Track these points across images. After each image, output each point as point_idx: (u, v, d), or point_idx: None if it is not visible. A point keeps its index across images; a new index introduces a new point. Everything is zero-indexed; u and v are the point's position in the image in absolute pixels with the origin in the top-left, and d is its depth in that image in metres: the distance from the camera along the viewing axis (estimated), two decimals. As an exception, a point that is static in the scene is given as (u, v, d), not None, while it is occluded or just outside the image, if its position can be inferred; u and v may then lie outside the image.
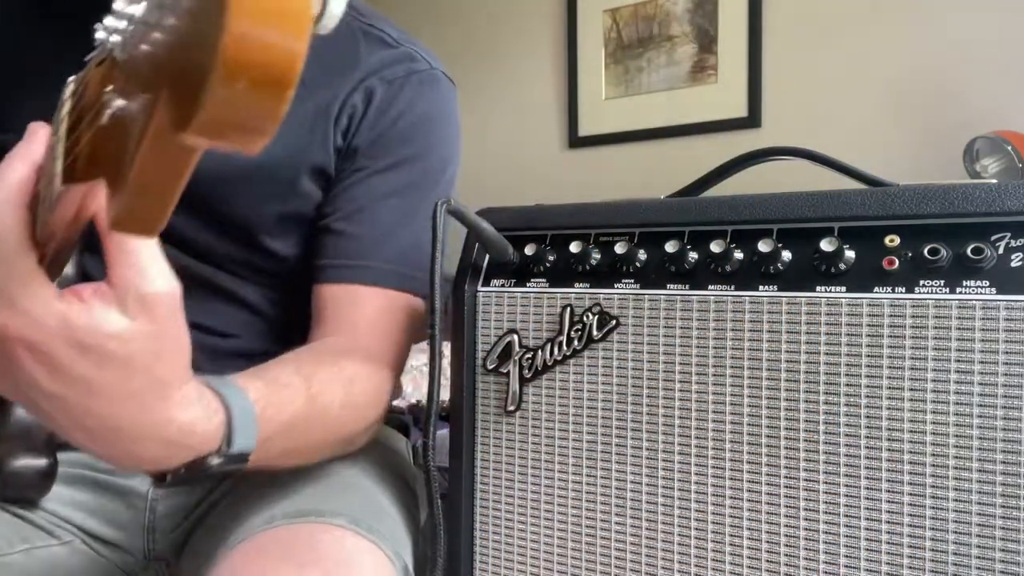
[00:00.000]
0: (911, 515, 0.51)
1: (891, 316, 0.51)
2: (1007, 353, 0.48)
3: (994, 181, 0.56)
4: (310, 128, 0.73)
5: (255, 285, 0.77)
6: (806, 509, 0.54)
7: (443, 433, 0.70)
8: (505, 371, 0.65)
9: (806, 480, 0.54)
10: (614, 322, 0.60)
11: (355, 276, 0.71)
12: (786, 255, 0.55)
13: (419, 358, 1.33)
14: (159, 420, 0.41)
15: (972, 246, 0.49)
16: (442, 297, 0.62)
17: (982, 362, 0.49)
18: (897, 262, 0.52)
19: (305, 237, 0.75)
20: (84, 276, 0.67)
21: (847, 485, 0.53)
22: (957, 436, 0.49)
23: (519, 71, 2.47)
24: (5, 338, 0.37)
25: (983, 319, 0.49)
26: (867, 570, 0.52)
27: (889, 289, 0.52)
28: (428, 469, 0.62)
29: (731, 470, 0.56)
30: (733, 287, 0.57)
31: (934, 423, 0.50)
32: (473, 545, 0.67)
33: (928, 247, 0.51)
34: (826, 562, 0.53)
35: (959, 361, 0.50)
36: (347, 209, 0.73)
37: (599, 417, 0.61)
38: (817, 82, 2.04)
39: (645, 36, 2.29)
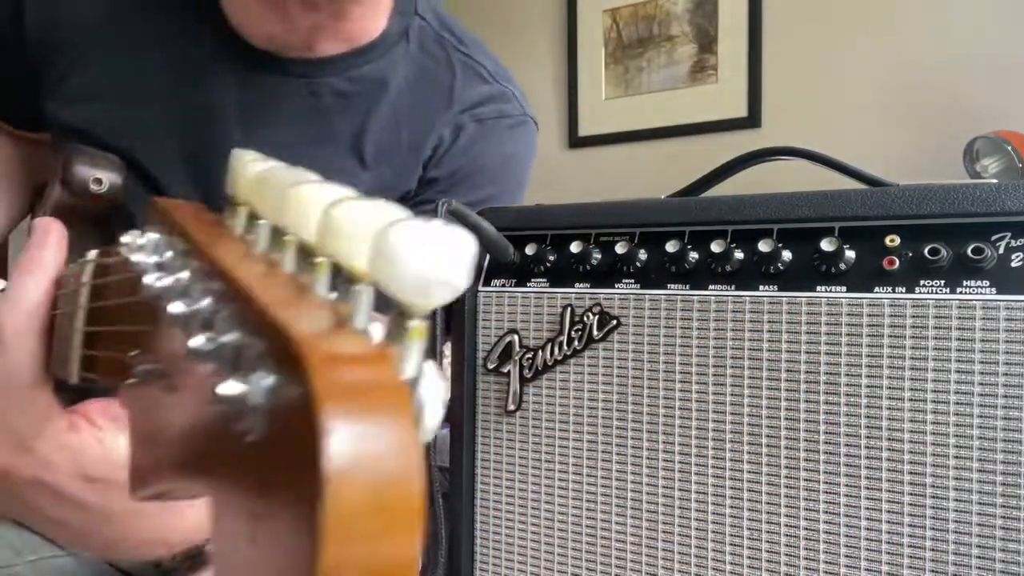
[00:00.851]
0: (911, 515, 0.51)
1: (891, 316, 0.51)
2: (1007, 353, 0.48)
3: (994, 181, 0.56)
4: (402, 161, 0.73)
5: None
6: (806, 509, 0.54)
7: (443, 433, 0.70)
8: (505, 371, 0.65)
9: (806, 480, 0.54)
10: (614, 322, 0.60)
11: None
12: (786, 255, 0.55)
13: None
14: (161, 528, 0.41)
15: (972, 246, 0.49)
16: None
17: (982, 362, 0.49)
18: (897, 262, 0.52)
19: None
20: None
21: (847, 485, 0.53)
22: (957, 436, 0.49)
23: (519, 71, 2.45)
24: (15, 481, 0.36)
25: (983, 319, 0.49)
26: (867, 569, 0.52)
27: (889, 289, 0.52)
28: (428, 469, 0.62)
29: (731, 470, 0.56)
30: (733, 287, 0.57)
31: (934, 423, 0.50)
32: (473, 545, 0.67)
33: (928, 247, 0.51)
34: (826, 562, 0.53)
35: (959, 361, 0.50)
36: None
37: (599, 417, 0.61)
38: (817, 82, 2.04)
39: (645, 36, 2.29)
